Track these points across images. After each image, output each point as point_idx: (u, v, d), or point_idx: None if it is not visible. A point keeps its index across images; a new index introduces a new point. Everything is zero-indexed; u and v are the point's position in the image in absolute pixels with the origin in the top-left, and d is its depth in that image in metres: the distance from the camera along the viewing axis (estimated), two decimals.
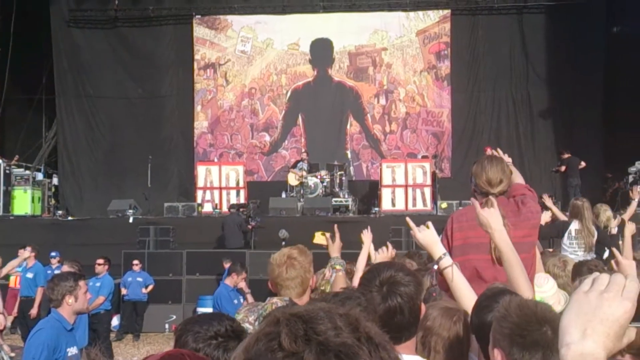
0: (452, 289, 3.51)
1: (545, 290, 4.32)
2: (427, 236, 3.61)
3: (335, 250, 4.69)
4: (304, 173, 20.84)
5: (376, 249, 5.08)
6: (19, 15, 22.86)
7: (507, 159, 4.97)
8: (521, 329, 2.51)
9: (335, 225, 4.96)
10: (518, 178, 4.75)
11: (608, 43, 22.66)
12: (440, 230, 4.11)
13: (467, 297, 3.38)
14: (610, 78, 22.36)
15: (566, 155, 19.75)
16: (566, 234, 8.85)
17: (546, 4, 22.97)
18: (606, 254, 9.13)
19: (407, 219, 3.90)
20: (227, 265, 14.90)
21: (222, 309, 9.83)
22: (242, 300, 10.57)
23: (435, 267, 3.60)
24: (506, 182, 4.41)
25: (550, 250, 8.92)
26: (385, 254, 4.70)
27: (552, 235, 8.95)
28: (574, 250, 8.60)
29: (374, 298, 2.81)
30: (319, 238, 4.92)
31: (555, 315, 2.59)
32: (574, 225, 8.85)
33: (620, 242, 9.55)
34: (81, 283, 5.67)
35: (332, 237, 5.14)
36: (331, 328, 1.29)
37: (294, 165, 21.47)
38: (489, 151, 20.07)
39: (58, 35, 24.37)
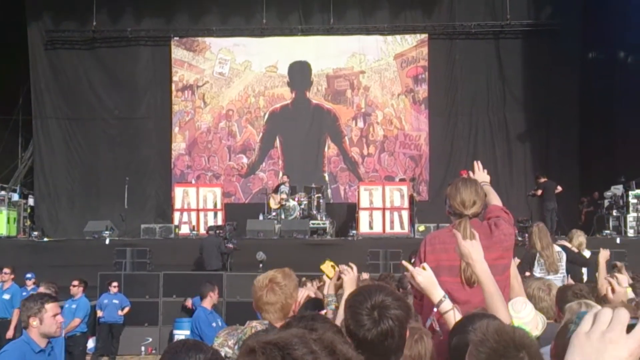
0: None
1: (522, 316, 4.33)
2: (427, 279, 3.61)
3: (332, 287, 4.63)
4: (286, 196, 20.83)
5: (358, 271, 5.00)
6: None
7: (485, 176, 5.01)
8: (498, 354, 2.52)
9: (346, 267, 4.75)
10: (494, 199, 4.78)
11: (583, 69, 22.93)
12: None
13: None
14: (585, 103, 22.62)
15: (542, 180, 19.88)
16: (536, 263, 8.90)
17: (523, 30, 23.23)
18: (585, 276, 9.19)
19: (404, 262, 3.91)
20: (187, 303, 15.11)
21: (202, 333, 9.77)
22: (220, 322, 10.49)
23: (435, 310, 3.59)
24: (480, 203, 4.42)
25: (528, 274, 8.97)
26: (351, 275, 4.63)
27: (525, 269, 9.00)
28: (544, 275, 8.65)
29: (363, 321, 2.80)
30: (327, 268, 4.74)
31: (532, 342, 2.60)
32: (538, 256, 8.91)
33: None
34: (48, 306, 5.49)
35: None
36: (307, 353, 1.29)
37: (276, 190, 21.43)
38: (464, 174, 20.17)
39: (35, 56, 24.25)
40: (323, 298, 4.81)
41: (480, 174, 5.04)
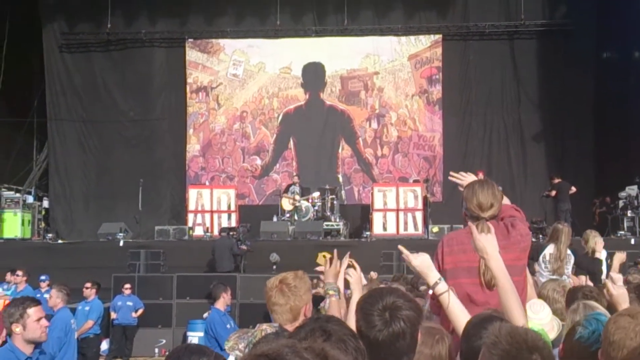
0: (448, 314, 3.51)
1: (541, 317, 4.32)
2: (423, 262, 3.62)
3: (330, 275, 4.61)
4: (297, 197, 20.83)
5: (369, 272, 5.01)
6: (11, 39, 22.91)
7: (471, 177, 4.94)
8: (511, 356, 2.50)
9: (335, 251, 4.85)
10: (504, 200, 4.75)
11: (598, 69, 22.80)
12: (432, 254, 4.10)
13: (463, 322, 3.37)
14: (600, 103, 22.49)
15: (557, 180, 19.80)
16: (541, 257, 8.82)
17: (537, 30, 23.12)
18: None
19: (400, 247, 3.88)
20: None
21: (217, 335, 9.79)
22: (233, 324, 10.49)
23: (431, 292, 3.59)
24: (497, 206, 4.40)
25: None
26: (356, 276, 4.62)
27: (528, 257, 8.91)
28: (548, 274, 8.57)
29: (375, 322, 2.79)
30: (320, 259, 4.82)
31: (545, 344, 2.59)
32: (549, 250, 8.82)
33: (603, 267, 9.55)
34: (30, 311, 5.24)
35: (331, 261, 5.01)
36: None
37: (286, 190, 21.45)
38: (481, 175, 20.13)
39: (50, 59, 24.39)
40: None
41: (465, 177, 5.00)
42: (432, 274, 3.60)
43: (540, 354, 2.50)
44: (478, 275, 4.17)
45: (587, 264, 9.37)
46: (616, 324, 2.82)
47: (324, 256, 4.73)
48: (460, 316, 3.44)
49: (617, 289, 3.94)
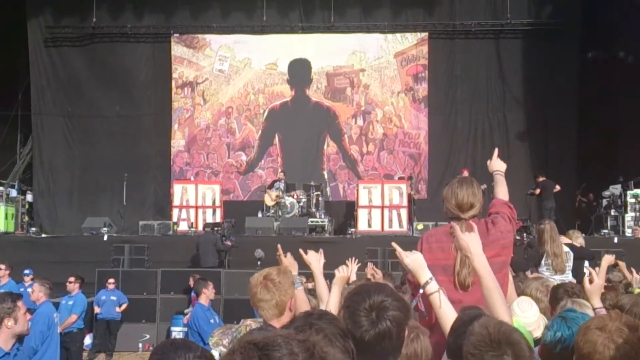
0: (438, 314, 3.51)
1: (528, 315, 4.34)
2: (415, 261, 3.62)
3: (293, 268, 4.67)
4: (280, 193, 20.83)
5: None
6: None
7: (501, 165, 4.91)
8: (485, 345, 2.53)
9: (278, 245, 4.89)
10: (501, 193, 4.73)
11: (583, 68, 22.91)
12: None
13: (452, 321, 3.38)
14: (585, 102, 22.59)
15: (541, 179, 19.89)
16: (542, 261, 8.85)
17: (522, 29, 23.20)
18: (586, 270, 9.16)
19: (394, 244, 3.88)
20: (191, 281, 14.91)
21: (200, 330, 9.78)
22: (217, 319, 10.48)
23: (421, 291, 3.59)
24: (478, 205, 4.37)
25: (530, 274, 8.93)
26: (343, 275, 4.65)
27: (529, 266, 8.92)
28: (550, 274, 8.60)
29: (361, 322, 2.78)
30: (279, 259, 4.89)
31: (520, 339, 2.62)
32: (545, 253, 8.87)
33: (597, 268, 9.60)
34: (19, 304, 5.31)
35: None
36: (287, 354, 1.28)
37: (271, 186, 21.45)
38: (465, 173, 20.07)
39: (35, 52, 24.27)
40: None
41: (496, 162, 4.94)
42: (423, 273, 3.59)
43: (512, 348, 2.52)
44: (452, 274, 4.18)
45: (588, 253, 9.46)
46: (585, 337, 2.81)
47: (279, 256, 4.79)
48: (450, 317, 3.44)
49: (598, 281, 3.98)
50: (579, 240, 9.84)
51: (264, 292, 4.16)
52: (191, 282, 15.08)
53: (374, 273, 8.16)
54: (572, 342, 2.99)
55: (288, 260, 4.75)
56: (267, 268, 4.39)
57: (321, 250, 4.85)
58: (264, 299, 4.15)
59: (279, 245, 4.81)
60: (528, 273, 8.59)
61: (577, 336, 2.90)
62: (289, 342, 1.32)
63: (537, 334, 4.21)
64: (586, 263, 9.48)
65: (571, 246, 9.19)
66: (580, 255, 9.26)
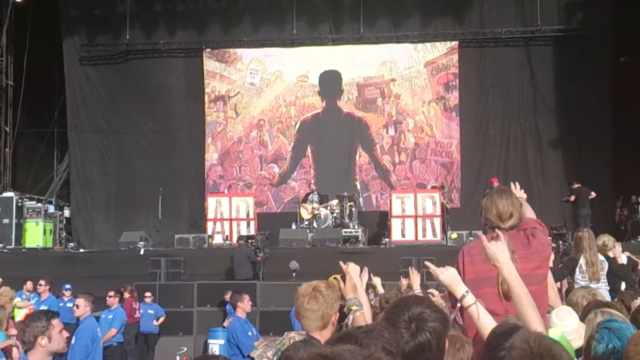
0: (478, 326, 3.52)
1: (567, 324, 4.33)
2: (449, 276, 3.65)
3: (348, 291, 4.68)
4: (316, 205, 20.92)
5: (387, 279, 5.09)
6: (32, 50, 23.24)
7: (522, 194, 4.99)
8: None
9: (344, 266, 4.87)
10: (529, 213, 4.79)
11: (615, 74, 22.72)
12: (451, 260, 4.16)
13: None
14: (617, 108, 22.41)
15: (576, 186, 19.77)
16: (577, 269, 8.83)
17: (553, 35, 23.06)
18: (623, 286, 9.10)
19: (427, 262, 3.92)
20: (227, 296, 14.95)
21: (239, 342, 9.86)
22: (254, 331, 10.57)
23: (459, 304, 3.63)
24: (517, 216, 4.42)
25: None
26: (414, 276, 4.71)
27: (565, 274, 8.91)
28: (586, 283, 8.56)
29: (401, 334, 2.81)
30: (334, 282, 4.85)
31: (561, 352, 2.63)
32: (581, 260, 8.84)
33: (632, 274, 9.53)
34: (54, 322, 5.24)
35: (344, 278, 5.04)
36: None
37: (305, 199, 21.53)
38: (495, 182, 20.01)
39: (71, 70, 24.63)
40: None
41: (517, 192, 5.01)
42: (459, 287, 3.61)
43: None
44: (496, 285, 4.20)
45: (622, 273, 9.35)
46: (636, 347, 2.82)
47: (335, 278, 4.78)
48: (491, 327, 3.43)
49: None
50: (603, 239, 9.72)
51: (312, 302, 4.20)
52: (227, 297, 15.17)
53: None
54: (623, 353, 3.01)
55: (349, 285, 4.74)
56: (316, 280, 4.42)
57: (366, 269, 4.88)
58: (310, 309, 4.20)
59: (344, 267, 4.83)
60: (564, 282, 8.58)
61: (628, 346, 2.90)
62: (355, 356, 1.39)
63: (578, 343, 4.19)
64: (623, 284, 9.37)
65: (607, 257, 9.15)
66: (614, 271, 9.20)
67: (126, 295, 14.34)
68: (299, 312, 4.26)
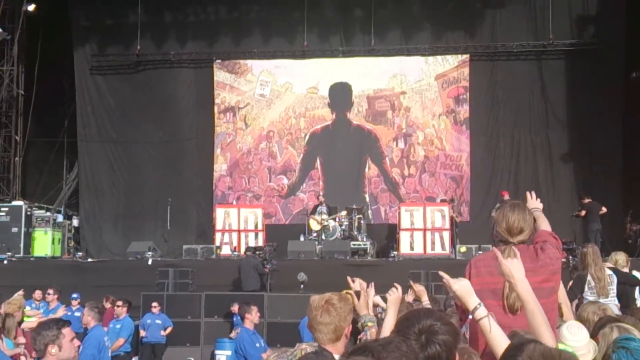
0: (489, 339, 3.51)
1: (578, 339, 4.31)
2: (463, 287, 3.65)
3: (362, 307, 4.65)
4: (324, 216, 20.88)
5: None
6: (43, 60, 23.35)
7: (538, 204, 4.99)
8: None
9: (351, 283, 4.83)
10: (543, 225, 4.77)
11: (627, 88, 22.66)
12: (460, 274, 4.12)
13: (504, 346, 3.38)
14: (629, 123, 22.32)
15: (587, 200, 19.67)
16: (586, 286, 8.78)
17: (565, 49, 23.01)
18: (638, 297, 9.05)
19: (441, 272, 3.91)
20: (234, 308, 14.90)
21: (246, 354, 9.82)
22: (262, 342, 10.51)
23: (471, 317, 3.61)
24: (527, 231, 4.44)
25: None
26: (396, 295, 4.68)
27: (577, 294, 8.86)
28: (595, 298, 8.52)
29: (412, 346, 2.80)
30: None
31: None
32: (589, 277, 8.79)
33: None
34: (65, 331, 5.21)
35: (358, 294, 5.01)
36: None
37: (313, 211, 21.49)
38: (506, 195, 19.96)
39: (81, 80, 24.70)
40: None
41: (532, 202, 5.05)
42: (471, 300, 3.62)
43: None
44: (501, 298, 4.22)
45: (633, 281, 9.33)
46: None
47: (348, 293, 4.74)
48: (500, 341, 3.45)
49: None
50: (615, 257, 9.71)
51: (325, 316, 4.19)
52: (234, 309, 15.13)
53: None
54: None
55: (363, 301, 4.71)
56: (328, 293, 4.40)
57: (372, 284, 4.86)
58: (323, 322, 4.18)
59: (350, 279, 4.81)
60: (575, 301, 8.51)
61: None
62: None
63: (588, 358, 4.18)
64: (637, 291, 9.33)
65: (614, 270, 9.10)
66: (625, 280, 9.15)
67: (107, 305, 14.22)
68: (311, 325, 4.24)
